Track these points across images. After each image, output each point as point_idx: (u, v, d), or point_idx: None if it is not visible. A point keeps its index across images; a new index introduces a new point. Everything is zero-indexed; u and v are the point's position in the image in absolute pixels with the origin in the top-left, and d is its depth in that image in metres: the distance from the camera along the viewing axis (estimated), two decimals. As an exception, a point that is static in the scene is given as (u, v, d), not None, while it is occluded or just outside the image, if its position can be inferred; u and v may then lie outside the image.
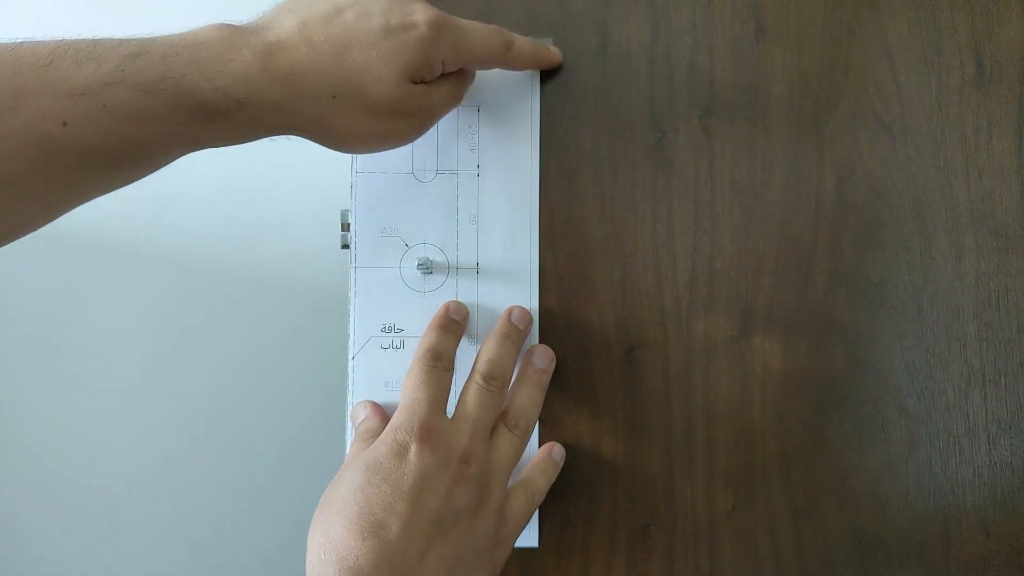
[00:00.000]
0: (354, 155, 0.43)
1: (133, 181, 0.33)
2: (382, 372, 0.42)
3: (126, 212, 0.85)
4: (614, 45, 0.44)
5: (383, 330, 0.42)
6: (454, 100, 0.40)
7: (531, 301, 0.43)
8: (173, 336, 0.88)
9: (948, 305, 0.43)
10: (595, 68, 0.44)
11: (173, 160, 0.34)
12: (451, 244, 0.43)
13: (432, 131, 0.43)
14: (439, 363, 0.38)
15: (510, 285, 0.43)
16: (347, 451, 0.42)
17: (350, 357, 0.42)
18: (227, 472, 0.88)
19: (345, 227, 0.43)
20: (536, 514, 0.42)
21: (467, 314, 0.42)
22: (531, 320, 0.42)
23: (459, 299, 0.42)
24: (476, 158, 0.43)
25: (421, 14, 0.35)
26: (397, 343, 0.42)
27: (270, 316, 0.87)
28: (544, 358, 0.42)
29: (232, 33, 0.32)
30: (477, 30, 0.38)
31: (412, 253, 0.43)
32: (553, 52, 0.43)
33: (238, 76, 0.31)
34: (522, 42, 0.41)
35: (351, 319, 0.42)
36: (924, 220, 0.43)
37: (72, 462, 0.87)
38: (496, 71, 0.43)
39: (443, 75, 0.38)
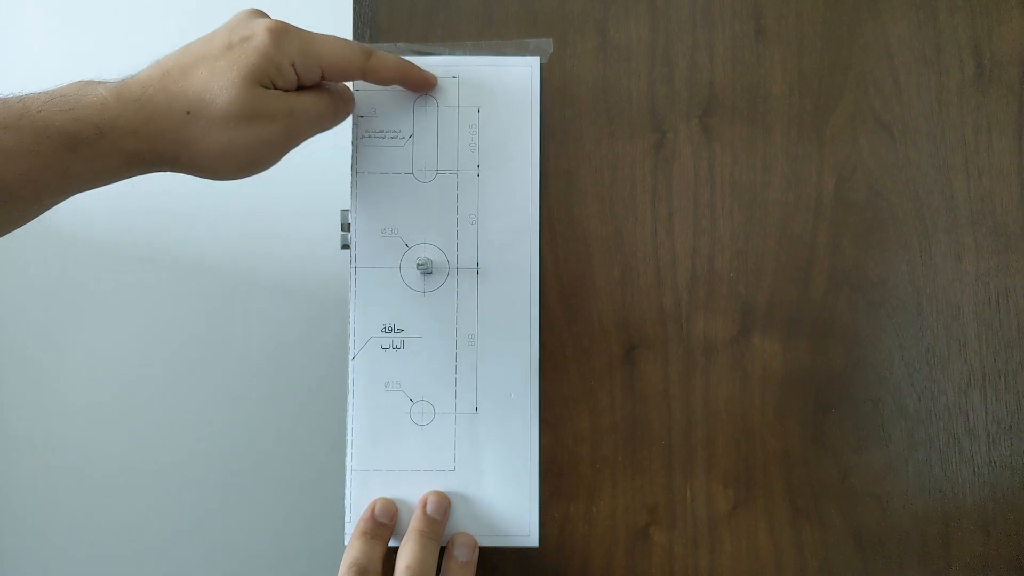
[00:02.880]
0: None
1: (6, 226, 0.34)
2: (382, 372, 0.42)
3: (124, 211, 0.86)
4: (614, 45, 0.44)
5: (383, 330, 0.42)
6: (323, 113, 0.39)
7: (531, 301, 0.43)
8: (172, 336, 0.88)
9: (948, 305, 0.43)
10: (595, 68, 0.44)
11: (47, 204, 0.34)
12: (451, 244, 0.43)
13: (432, 131, 0.43)
14: None
15: (510, 285, 0.43)
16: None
17: (350, 357, 0.42)
18: (226, 472, 0.88)
19: (345, 227, 0.43)
20: (536, 514, 0.42)
21: (395, 513, 0.41)
22: (449, 505, 0.41)
23: (458, 301, 0.42)
24: (476, 158, 0.43)
25: (261, 25, 0.36)
26: (397, 343, 0.42)
27: (270, 316, 0.87)
28: (465, 550, 0.41)
29: (89, 82, 0.35)
30: (328, 37, 0.38)
31: (412, 253, 0.43)
32: (424, 72, 0.42)
33: (93, 106, 0.33)
34: (384, 55, 0.40)
35: (351, 319, 0.42)
36: (924, 220, 0.43)
37: (71, 462, 0.87)
38: (495, 71, 0.43)
39: (308, 88, 0.38)
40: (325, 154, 0.39)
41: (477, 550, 0.41)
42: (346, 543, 0.41)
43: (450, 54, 0.43)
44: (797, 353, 0.43)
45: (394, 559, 0.39)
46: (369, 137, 0.43)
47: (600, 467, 0.43)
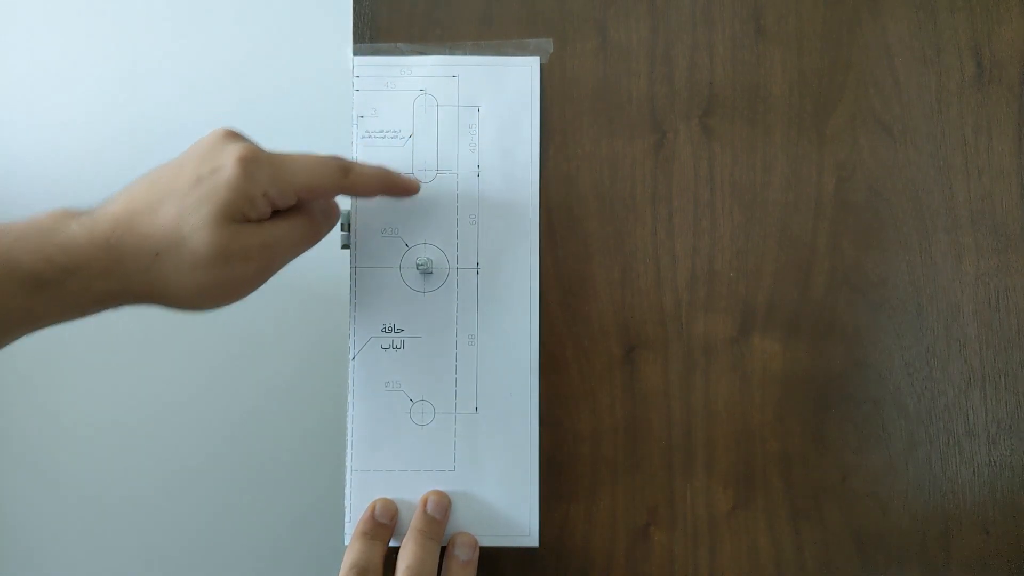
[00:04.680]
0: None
1: None
2: (382, 372, 0.42)
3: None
4: (614, 45, 0.44)
5: (383, 330, 0.42)
6: (302, 238, 0.37)
7: (531, 301, 0.43)
8: (172, 336, 0.88)
9: (948, 305, 0.43)
10: (595, 68, 0.44)
11: (13, 338, 0.33)
12: (451, 244, 0.43)
13: (432, 131, 0.43)
14: None
15: (510, 285, 0.43)
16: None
17: (350, 357, 0.42)
18: (226, 472, 0.88)
19: (345, 227, 0.43)
20: (536, 514, 0.42)
21: (395, 513, 0.41)
22: (449, 505, 0.41)
23: (458, 301, 0.42)
24: (476, 158, 0.43)
25: (230, 155, 0.34)
26: (397, 343, 0.42)
27: (270, 316, 0.87)
28: (466, 549, 0.40)
29: (66, 214, 0.33)
30: (302, 159, 0.36)
31: (412, 253, 0.43)
32: (405, 179, 0.40)
33: (63, 246, 0.32)
34: (363, 169, 0.38)
35: (351, 319, 0.42)
36: (924, 220, 0.43)
37: (72, 462, 0.87)
38: (495, 71, 0.43)
39: (284, 212, 0.36)
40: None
41: (478, 550, 0.41)
42: (346, 543, 0.41)
43: (450, 54, 0.43)
44: (797, 353, 0.43)
45: (395, 559, 0.39)
46: (369, 137, 0.43)
47: (600, 467, 0.43)
